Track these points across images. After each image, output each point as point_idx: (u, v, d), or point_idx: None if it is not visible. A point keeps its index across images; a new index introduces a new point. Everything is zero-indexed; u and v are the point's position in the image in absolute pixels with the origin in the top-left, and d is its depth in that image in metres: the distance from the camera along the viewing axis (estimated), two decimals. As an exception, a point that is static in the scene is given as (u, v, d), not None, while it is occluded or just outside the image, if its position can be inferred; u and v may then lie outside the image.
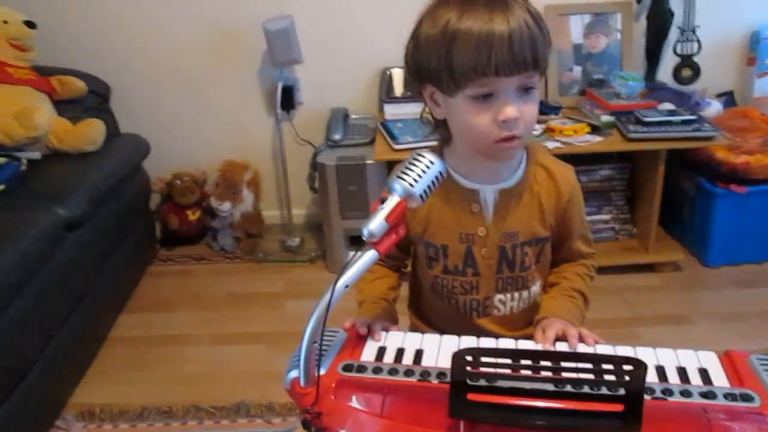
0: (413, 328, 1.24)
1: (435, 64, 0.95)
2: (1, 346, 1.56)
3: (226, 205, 2.66)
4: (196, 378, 2.00)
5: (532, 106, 0.97)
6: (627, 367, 0.72)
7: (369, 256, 0.89)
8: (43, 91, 2.31)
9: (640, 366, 0.71)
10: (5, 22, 2.26)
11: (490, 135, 0.96)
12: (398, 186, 0.89)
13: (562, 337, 0.99)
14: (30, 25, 2.31)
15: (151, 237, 2.72)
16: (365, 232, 0.88)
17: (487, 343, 0.98)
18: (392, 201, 0.89)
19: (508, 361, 0.75)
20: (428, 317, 1.22)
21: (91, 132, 2.25)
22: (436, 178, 0.91)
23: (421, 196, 0.89)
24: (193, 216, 2.75)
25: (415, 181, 0.89)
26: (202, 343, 2.18)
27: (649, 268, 2.43)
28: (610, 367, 0.73)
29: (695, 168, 2.40)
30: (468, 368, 0.74)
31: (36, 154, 2.17)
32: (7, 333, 1.59)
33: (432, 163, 0.90)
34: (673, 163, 2.41)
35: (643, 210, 2.40)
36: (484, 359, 0.74)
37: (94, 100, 2.51)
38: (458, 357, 0.73)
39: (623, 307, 2.24)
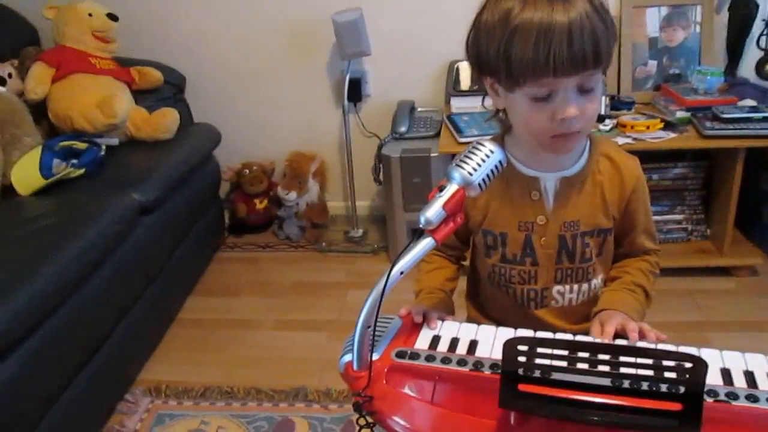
0: (471, 320, 1.23)
1: (494, 56, 0.92)
2: (77, 320, 1.64)
3: (292, 195, 2.71)
4: (257, 362, 2.05)
5: (593, 103, 0.94)
6: (687, 365, 0.69)
7: (426, 243, 0.89)
8: (123, 81, 2.42)
9: (700, 364, 0.68)
10: (90, 14, 2.37)
11: (548, 131, 0.95)
12: (457, 174, 0.89)
13: (621, 332, 0.96)
14: (112, 17, 2.42)
15: (220, 224, 2.80)
16: (422, 219, 0.88)
17: (543, 335, 0.96)
18: (450, 189, 0.89)
19: (564, 352, 0.73)
20: (486, 308, 1.21)
21: (166, 121, 2.34)
22: (496, 167, 0.90)
23: (479, 184, 0.89)
24: (260, 205, 2.82)
25: (474, 169, 0.88)
26: (265, 328, 2.23)
27: (724, 271, 2.32)
28: (669, 364, 0.70)
29: (777, 168, 2.28)
30: (520, 358, 0.73)
31: (114, 141, 2.27)
32: (83, 308, 1.67)
33: (492, 152, 0.89)
34: (753, 163, 2.29)
35: (719, 211, 2.29)
36: (537, 350, 0.72)
37: (170, 90, 2.61)
38: (510, 345, 0.72)
39: (694, 310, 2.15)
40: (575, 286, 1.10)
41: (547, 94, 0.92)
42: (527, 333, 0.97)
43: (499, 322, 1.03)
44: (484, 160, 0.89)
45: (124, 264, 1.86)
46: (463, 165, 0.89)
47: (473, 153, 0.89)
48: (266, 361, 2.05)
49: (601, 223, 1.07)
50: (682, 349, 0.91)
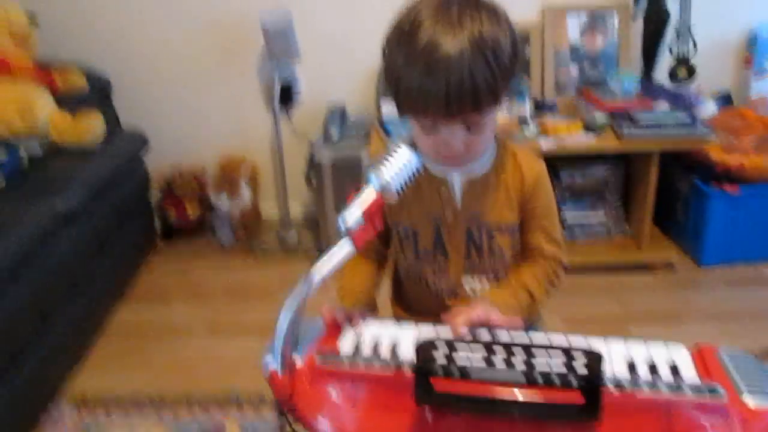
0: (396, 320, 1.26)
1: (389, 79, 0.97)
2: (-2, 329, 1.59)
3: (224, 199, 2.69)
4: (189, 368, 2.02)
5: (480, 136, 0.98)
6: (583, 359, 0.73)
7: (345, 250, 0.92)
8: (44, 84, 2.34)
9: (596, 358, 0.73)
10: (6, 15, 2.28)
11: (437, 155, 1.00)
12: (375, 180, 0.91)
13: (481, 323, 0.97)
14: (31, 20, 2.33)
15: (151, 230, 2.75)
16: (341, 225, 0.90)
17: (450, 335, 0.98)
18: (369, 194, 0.91)
19: (466, 348, 0.76)
20: (409, 305, 1.24)
21: (91, 125, 2.28)
22: (413, 173, 0.93)
23: (397, 191, 0.91)
24: (191, 210, 2.78)
25: (392, 177, 0.91)
26: (197, 334, 2.21)
27: (643, 267, 2.44)
28: (565, 358, 0.75)
29: (690, 168, 2.41)
30: (433, 355, 0.76)
31: (36, 148, 2.20)
32: (2, 320, 1.62)
33: (410, 159, 0.92)
34: (669, 162, 2.42)
35: (637, 209, 2.41)
36: (445, 349, 0.76)
37: (95, 94, 2.54)
38: (422, 348, 0.75)
39: (615, 305, 2.25)
40: (484, 278, 1.14)
41: (432, 126, 0.96)
42: (447, 329, 1.00)
43: (420, 315, 1.06)
44: (402, 167, 0.91)
45: (45, 273, 1.81)
46: (382, 170, 0.91)
47: (391, 158, 0.91)
48: (198, 367, 2.03)
49: (506, 219, 1.10)
50: (591, 340, 0.95)
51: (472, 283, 1.15)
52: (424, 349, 0.76)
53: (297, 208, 2.89)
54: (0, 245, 1.65)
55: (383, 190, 0.91)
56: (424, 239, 1.13)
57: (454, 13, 0.91)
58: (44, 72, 2.37)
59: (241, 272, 2.59)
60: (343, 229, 0.90)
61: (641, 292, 2.32)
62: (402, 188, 0.92)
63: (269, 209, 2.91)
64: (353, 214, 0.90)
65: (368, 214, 0.90)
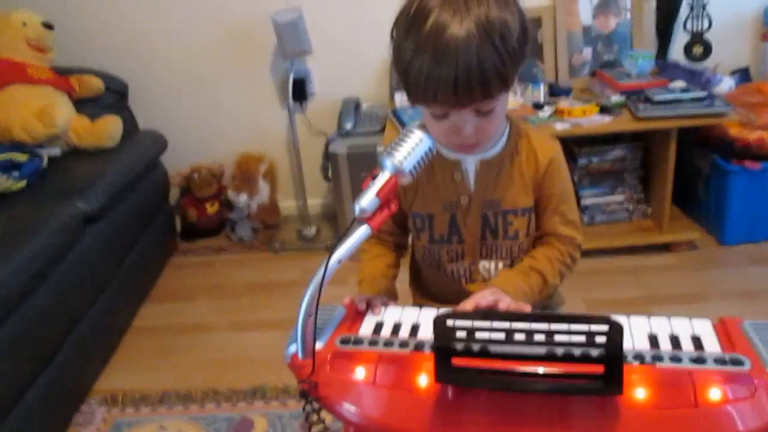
0: (416, 305, 1.26)
1: (399, 69, 0.97)
2: (25, 334, 1.62)
3: (242, 197, 2.71)
4: (215, 364, 2.05)
5: (492, 121, 0.98)
6: (603, 329, 0.73)
7: (362, 231, 0.92)
8: (63, 90, 2.38)
9: (616, 328, 0.73)
10: (24, 24, 2.33)
11: (449, 141, 1.00)
12: (388, 162, 0.92)
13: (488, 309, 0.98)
14: (48, 26, 2.37)
15: (171, 230, 2.78)
16: (357, 208, 0.91)
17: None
18: (383, 177, 0.92)
19: (486, 324, 0.76)
20: (427, 290, 1.25)
21: (109, 128, 2.31)
22: (426, 154, 0.93)
23: (410, 172, 0.92)
24: (211, 208, 2.81)
25: (405, 157, 0.91)
26: (221, 330, 2.23)
27: (665, 248, 2.41)
28: (585, 329, 0.75)
29: (709, 146, 2.38)
30: (450, 333, 0.76)
31: (56, 151, 2.24)
32: (30, 321, 1.65)
33: (421, 140, 0.92)
34: (688, 142, 2.39)
35: (657, 189, 2.38)
36: (461, 323, 0.76)
37: (112, 97, 2.58)
38: (439, 322, 0.75)
39: (637, 287, 2.23)
40: (500, 263, 1.14)
41: (443, 113, 0.96)
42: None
43: (439, 301, 1.07)
44: (414, 148, 0.92)
45: (71, 274, 1.84)
46: (394, 153, 0.92)
47: (403, 141, 0.92)
48: (223, 363, 2.05)
49: (521, 202, 1.10)
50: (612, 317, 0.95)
51: (488, 267, 1.15)
52: (442, 324, 0.76)
53: (315, 203, 2.91)
54: (26, 248, 1.67)
55: (397, 172, 0.91)
56: (439, 225, 1.13)
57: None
58: (62, 77, 2.41)
59: (261, 268, 2.61)
60: (358, 211, 0.91)
61: (663, 273, 2.30)
62: (416, 169, 0.92)
63: (288, 205, 2.92)
64: (368, 197, 0.91)
65: (383, 195, 0.91)
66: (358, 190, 2.78)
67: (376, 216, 0.92)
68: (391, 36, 0.98)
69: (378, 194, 0.91)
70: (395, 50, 0.97)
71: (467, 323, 0.76)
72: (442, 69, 0.89)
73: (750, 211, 2.34)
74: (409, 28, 0.93)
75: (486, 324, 0.76)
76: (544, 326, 0.79)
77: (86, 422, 1.84)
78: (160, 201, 2.65)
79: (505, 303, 0.99)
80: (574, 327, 0.77)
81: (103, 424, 1.83)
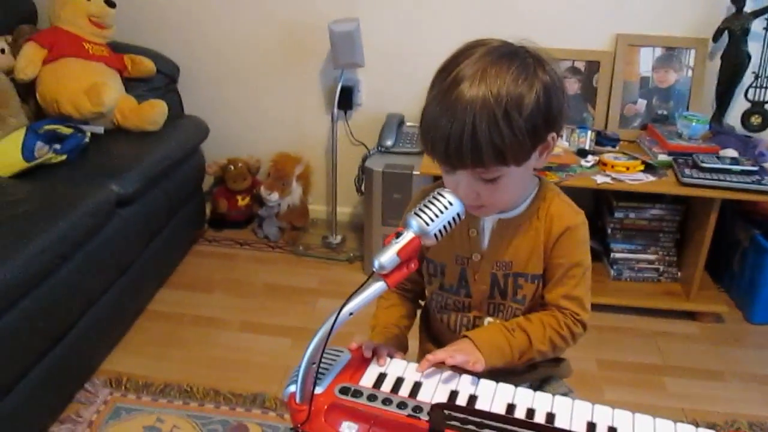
0: (423, 351, 1.25)
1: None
2: (42, 308, 1.65)
3: (274, 195, 2.72)
4: (220, 362, 2.06)
5: (496, 193, 0.98)
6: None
7: (377, 287, 0.92)
8: (115, 68, 2.41)
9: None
10: (86, -1, 2.37)
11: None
12: (414, 223, 0.91)
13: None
14: (110, 3, 2.41)
15: (201, 216, 2.81)
16: (376, 263, 0.90)
17: (471, 385, 0.97)
18: (407, 236, 0.91)
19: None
20: (435, 336, 1.24)
21: (154, 113, 2.34)
22: (453, 219, 0.92)
23: (435, 235, 0.91)
24: (242, 201, 2.83)
25: (432, 219, 0.91)
26: (232, 328, 2.25)
27: (690, 315, 2.35)
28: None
29: (752, 219, 2.31)
30: (446, 420, 0.75)
31: (99, 129, 2.27)
32: (49, 297, 1.68)
33: (451, 203, 0.91)
34: (730, 210, 2.33)
35: (691, 255, 2.32)
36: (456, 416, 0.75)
37: (163, 80, 2.61)
38: (435, 410, 0.74)
39: (655, 353, 2.17)
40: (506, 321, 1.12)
41: (447, 169, 0.98)
42: (468, 380, 0.99)
43: (442, 346, 1.07)
44: (442, 212, 0.91)
45: (95, 256, 1.87)
46: (421, 215, 0.91)
47: (432, 203, 0.92)
48: (228, 363, 2.06)
49: (532, 267, 1.08)
50: (597, 411, 0.92)
51: (491, 321, 1.13)
52: (439, 412, 0.75)
53: (345, 211, 2.91)
54: (54, 228, 1.70)
55: (421, 234, 0.90)
56: (449, 275, 1.13)
57: (487, 62, 0.92)
58: (116, 56, 2.44)
59: (282, 270, 2.62)
60: (377, 267, 0.90)
61: (684, 342, 2.24)
62: (441, 233, 0.91)
63: (317, 209, 2.93)
64: (389, 254, 0.90)
65: (404, 255, 0.90)
66: (388, 208, 2.76)
67: (395, 274, 0.92)
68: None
69: (399, 253, 0.90)
70: (427, 95, 1.00)
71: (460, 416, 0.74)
72: (441, 123, 0.92)
73: (783, 292, 2.27)
74: (438, 75, 0.97)
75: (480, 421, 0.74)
76: None
77: (88, 401, 1.87)
78: (194, 188, 2.67)
79: (459, 358, 0.98)
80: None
81: (104, 406, 1.86)
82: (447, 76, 0.93)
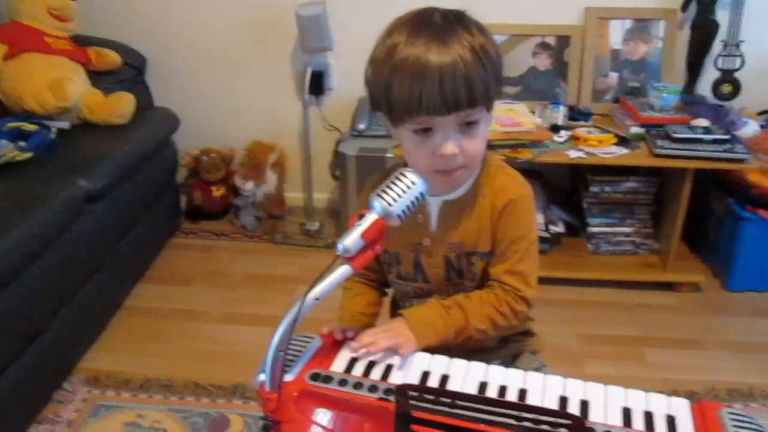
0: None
1: (378, 91, 0.97)
2: (15, 308, 1.63)
3: (249, 185, 2.69)
4: (200, 355, 2.05)
5: (475, 140, 0.97)
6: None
7: (343, 270, 0.90)
8: (79, 61, 2.36)
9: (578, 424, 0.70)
10: (47, -9, 2.31)
11: (429, 167, 0.98)
12: (377, 204, 0.90)
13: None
14: (71, -5, 2.36)
15: (176, 210, 2.78)
16: (340, 247, 0.89)
17: (443, 365, 0.97)
18: (370, 218, 0.90)
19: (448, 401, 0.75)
20: None
21: (121, 106, 2.30)
22: (417, 198, 0.91)
23: (399, 215, 0.90)
24: (217, 192, 2.80)
25: (395, 200, 0.89)
26: (212, 320, 2.23)
27: (668, 286, 2.36)
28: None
29: (726, 188, 2.32)
30: (413, 401, 0.74)
31: (65, 124, 2.23)
32: (21, 297, 1.65)
33: (413, 183, 0.90)
34: (704, 181, 2.34)
35: (667, 226, 2.33)
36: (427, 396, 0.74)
37: (130, 72, 2.57)
38: (401, 391, 0.74)
39: (634, 325, 2.19)
40: None
41: (426, 128, 0.95)
42: (443, 360, 0.98)
43: None
44: (405, 191, 0.90)
45: (66, 254, 1.84)
46: (384, 195, 0.89)
47: (395, 183, 0.90)
48: (209, 355, 2.05)
49: (483, 246, 1.07)
50: (590, 387, 0.92)
51: None
52: (404, 394, 0.74)
53: (322, 197, 2.89)
54: (22, 227, 1.67)
55: (385, 215, 0.89)
56: (405, 264, 1.13)
57: (435, 28, 0.94)
58: (80, 49, 2.39)
59: (261, 259, 2.60)
60: (341, 250, 0.89)
61: (663, 313, 2.26)
62: (405, 213, 0.90)
63: (294, 197, 2.91)
64: (353, 237, 0.89)
65: (368, 238, 0.89)
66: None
67: (360, 257, 0.90)
68: (365, 75, 1.02)
69: (363, 235, 0.89)
70: (371, 81, 1.00)
71: (431, 397, 0.74)
72: (427, 78, 0.91)
73: (759, 259, 2.29)
74: (385, 59, 0.96)
75: (448, 401, 0.74)
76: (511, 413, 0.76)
77: (66, 400, 1.85)
78: (168, 180, 2.64)
79: (385, 342, 0.97)
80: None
81: (83, 405, 1.84)
82: (417, 28, 0.95)
